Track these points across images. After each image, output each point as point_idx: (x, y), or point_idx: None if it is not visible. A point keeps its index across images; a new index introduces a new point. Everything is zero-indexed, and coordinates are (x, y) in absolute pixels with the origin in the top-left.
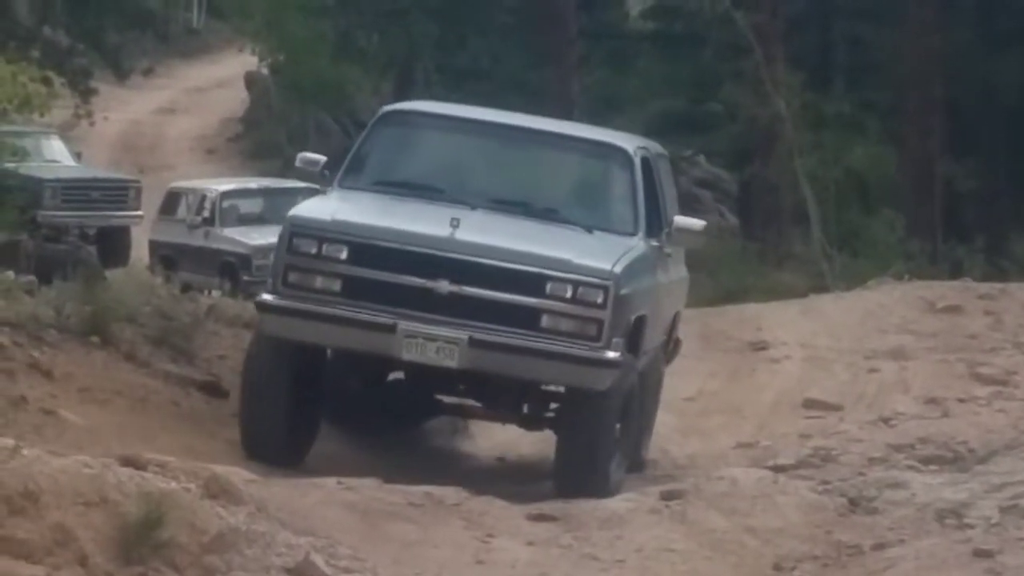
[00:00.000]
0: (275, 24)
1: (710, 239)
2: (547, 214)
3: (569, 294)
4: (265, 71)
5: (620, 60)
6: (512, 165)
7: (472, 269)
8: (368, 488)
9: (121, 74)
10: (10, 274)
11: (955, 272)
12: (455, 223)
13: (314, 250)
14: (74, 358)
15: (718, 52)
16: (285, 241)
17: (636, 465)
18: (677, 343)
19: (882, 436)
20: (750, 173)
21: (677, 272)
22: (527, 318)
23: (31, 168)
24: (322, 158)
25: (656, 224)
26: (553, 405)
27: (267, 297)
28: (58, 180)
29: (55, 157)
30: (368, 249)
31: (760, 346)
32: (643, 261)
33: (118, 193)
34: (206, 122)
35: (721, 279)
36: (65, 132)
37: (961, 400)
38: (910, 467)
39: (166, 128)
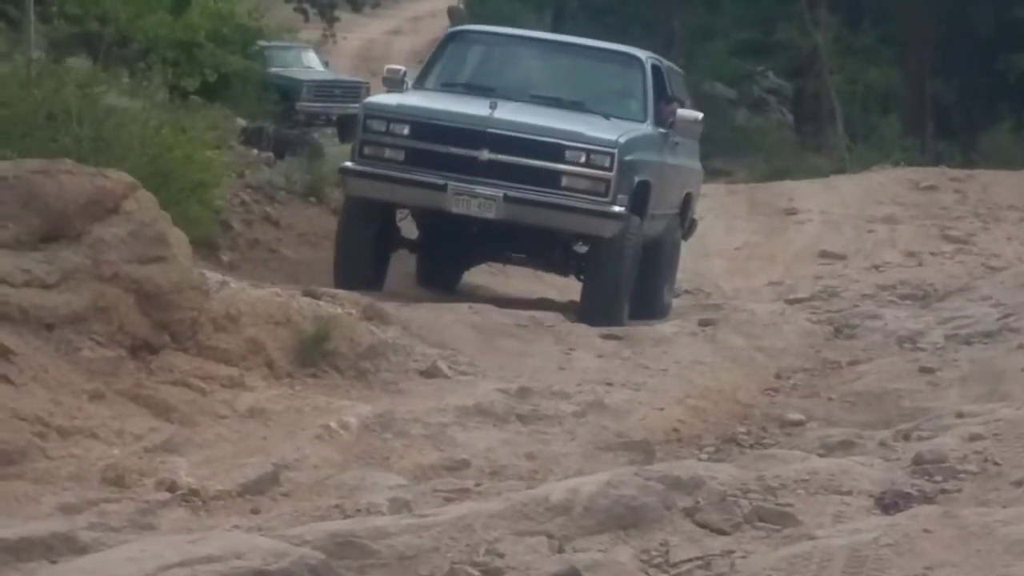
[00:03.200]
0: None
1: (771, 132)
2: (575, 105)
3: (583, 159)
4: (462, 6)
5: (712, 1)
6: (549, 70)
7: (506, 140)
8: (489, 311)
9: (355, 7)
10: (255, 151)
11: (937, 161)
12: (493, 105)
13: (383, 128)
14: (296, 212)
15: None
16: (361, 122)
17: (660, 311)
18: (693, 223)
19: (873, 279)
20: (800, 86)
21: (689, 160)
22: (550, 179)
23: (294, 72)
24: (402, 68)
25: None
26: (578, 250)
27: (348, 164)
28: (312, 81)
29: (310, 64)
30: (424, 126)
31: (791, 212)
32: (648, 139)
33: (353, 90)
34: (420, 41)
35: (772, 162)
36: (320, 47)
37: (932, 254)
38: (891, 302)
39: (392, 45)
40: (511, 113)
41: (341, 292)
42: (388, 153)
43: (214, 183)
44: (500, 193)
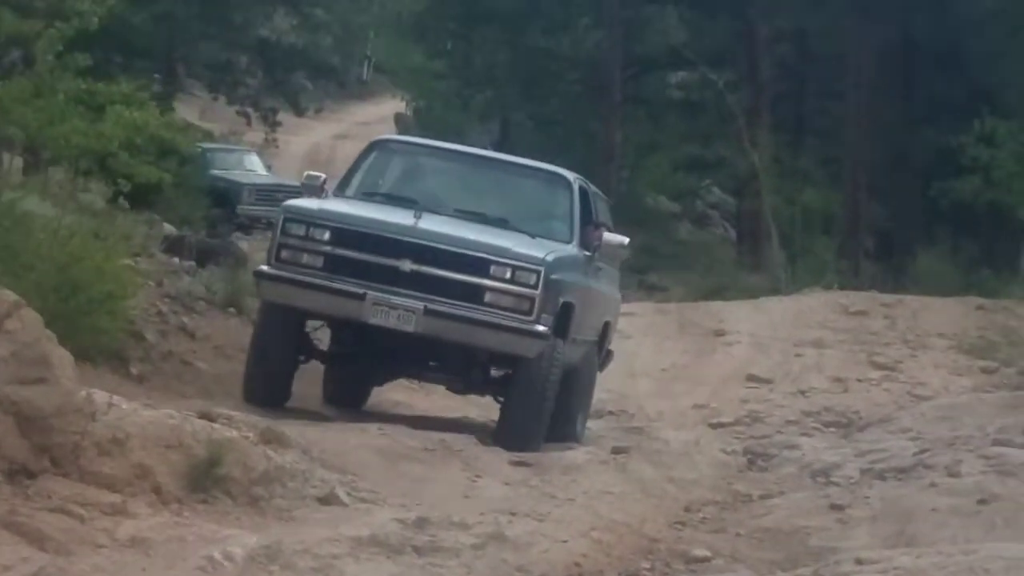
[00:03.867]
0: (415, 82)
1: (713, 247)
2: (499, 223)
3: (508, 275)
4: (409, 113)
5: (656, 116)
6: (473, 185)
7: (430, 252)
8: (398, 433)
9: (298, 111)
10: (176, 259)
11: (870, 285)
12: (418, 215)
13: (302, 232)
14: (214, 323)
15: (716, 118)
16: (279, 225)
17: (571, 438)
18: (609, 354)
19: (799, 404)
20: (740, 203)
21: (610, 288)
22: (473, 294)
23: (235, 175)
24: (322, 175)
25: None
26: (494, 374)
27: (263, 268)
28: (253, 184)
29: (253, 168)
30: (346, 232)
31: (720, 333)
32: (574, 261)
33: (296, 195)
34: None
35: (708, 279)
36: (264, 150)
37: (859, 380)
38: (815, 428)
39: (339, 149)
40: (436, 224)
41: (238, 415)
42: (306, 258)
43: (125, 295)
44: (420, 305)
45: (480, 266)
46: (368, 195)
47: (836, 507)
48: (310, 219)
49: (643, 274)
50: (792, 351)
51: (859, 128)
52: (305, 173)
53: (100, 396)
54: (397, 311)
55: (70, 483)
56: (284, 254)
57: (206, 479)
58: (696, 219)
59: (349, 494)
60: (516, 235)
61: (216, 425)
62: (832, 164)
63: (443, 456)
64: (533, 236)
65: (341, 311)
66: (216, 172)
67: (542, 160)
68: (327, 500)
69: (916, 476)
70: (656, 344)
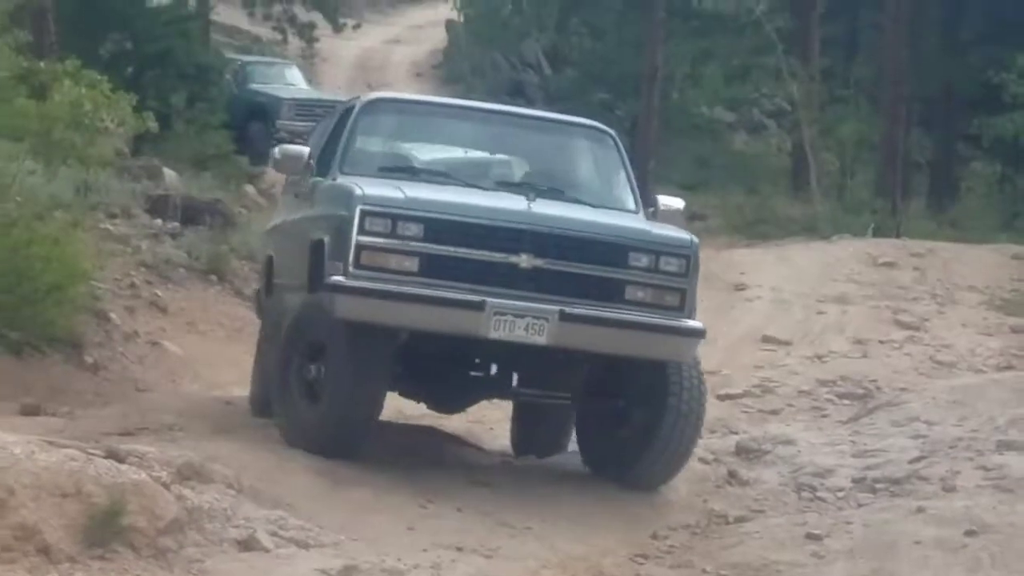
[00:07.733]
0: None
1: (766, 156)
2: (553, 194)
3: (651, 264)
4: (460, 19)
5: (703, 31)
6: (505, 150)
7: (556, 242)
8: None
9: (335, 27)
10: (159, 222)
11: (907, 227)
12: (531, 197)
13: (387, 228)
14: (191, 294)
15: (755, 46)
16: (354, 221)
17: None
18: None
19: (814, 371)
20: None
21: None
22: (611, 290)
23: (275, 89)
24: (305, 149)
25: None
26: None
27: (338, 279)
28: (293, 99)
29: (294, 82)
30: (448, 224)
31: (740, 287)
32: None
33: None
34: (419, 51)
35: (751, 205)
36: (309, 58)
37: (881, 342)
38: (829, 400)
39: (391, 54)
40: (552, 207)
41: (151, 451)
42: (395, 262)
43: (76, 281)
44: (555, 310)
45: (616, 254)
46: (386, 171)
47: (813, 536)
48: (397, 210)
49: (692, 190)
50: (815, 308)
51: (896, 63)
52: (278, 149)
53: None
54: (525, 319)
55: None
56: (366, 257)
57: (105, 531)
58: (753, 128)
59: (274, 534)
60: (596, 210)
61: (123, 466)
62: (878, 91)
63: (395, 477)
64: (596, 208)
65: (453, 326)
66: (255, 86)
67: (590, 78)
68: (247, 545)
69: (907, 491)
70: None
